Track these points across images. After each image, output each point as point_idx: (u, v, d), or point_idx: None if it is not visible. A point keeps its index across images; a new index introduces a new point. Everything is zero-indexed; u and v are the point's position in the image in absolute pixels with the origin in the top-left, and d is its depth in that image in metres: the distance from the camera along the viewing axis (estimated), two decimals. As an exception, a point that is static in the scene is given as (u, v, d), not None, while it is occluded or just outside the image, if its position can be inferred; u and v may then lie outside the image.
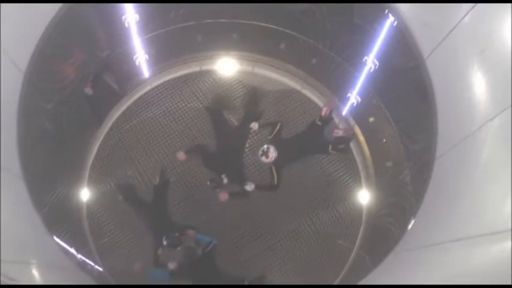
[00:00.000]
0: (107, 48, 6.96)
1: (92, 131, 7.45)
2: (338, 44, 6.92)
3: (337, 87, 7.52)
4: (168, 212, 7.05)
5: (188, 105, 7.63)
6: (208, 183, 6.97)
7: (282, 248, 7.20)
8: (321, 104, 7.71)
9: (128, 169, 7.35)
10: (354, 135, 7.42)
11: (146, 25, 6.63)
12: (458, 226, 3.55)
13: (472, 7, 3.53)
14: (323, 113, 6.86)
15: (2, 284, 3.20)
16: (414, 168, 5.83)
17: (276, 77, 7.83)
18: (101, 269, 6.82)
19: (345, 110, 7.42)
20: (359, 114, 7.33)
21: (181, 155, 7.09)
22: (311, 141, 6.99)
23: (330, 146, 6.87)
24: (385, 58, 6.01)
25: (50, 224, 4.90)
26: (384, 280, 4.57)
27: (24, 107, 4.53)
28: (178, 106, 7.65)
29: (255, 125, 7.00)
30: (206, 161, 7.17)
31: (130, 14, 6.13)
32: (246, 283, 6.70)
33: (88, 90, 6.89)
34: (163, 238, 6.43)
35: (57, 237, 5.32)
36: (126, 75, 7.49)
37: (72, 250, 5.91)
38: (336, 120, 7.54)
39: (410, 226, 4.90)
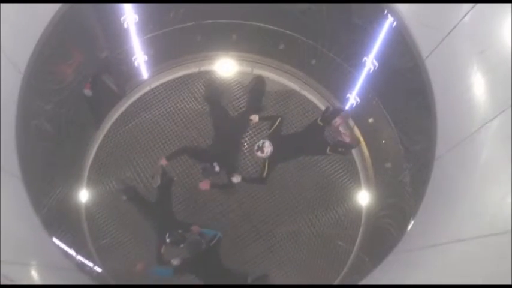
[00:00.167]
0: (106, 49, 6.96)
1: (91, 132, 7.44)
2: (337, 44, 6.93)
3: (336, 88, 7.52)
4: (172, 211, 7.02)
5: (187, 106, 7.62)
6: (201, 172, 6.90)
7: (282, 249, 7.20)
8: (320, 104, 7.71)
9: (126, 170, 7.33)
10: (358, 144, 7.40)
11: (145, 26, 6.63)
12: (458, 227, 3.55)
13: (472, 7, 3.53)
14: (336, 124, 6.85)
15: (2, 284, 3.19)
16: (414, 169, 5.83)
17: (275, 77, 7.82)
18: (100, 270, 6.81)
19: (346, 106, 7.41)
20: (358, 115, 7.33)
21: (163, 161, 7.00)
22: (310, 140, 6.97)
23: (328, 148, 6.85)
24: (384, 59, 6.01)
25: (49, 225, 4.89)
26: (384, 281, 4.56)
27: (23, 107, 4.52)
28: (177, 107, 7.64)
29: (255, 117, 6.95)
30: (194, 156, 7.15)
31: (129, 15, 6.13)
32: (249, 280, 6.68)
33: (87, 91, 6.89)
34: (167, 235, 6.40)
35: (57, 238, 5.31)
36: (125, 76, 7.49)
37: (72, 251, 5.90)
38: (344, 126, 7.52)
39: (409, 227, 4.89)
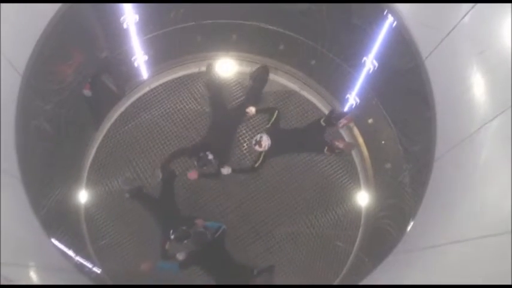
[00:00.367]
0: (105, 49, 6.95)
1: (91, 133, 7.44)
2: (337, 45, 6.93)
3: (336, 88, 7.52)
4: (176, 206, 7.00)
5: (187, 107, 7.62)
6: (195, 162, 6.87)
7: (281, 250, 7.19)
8: (320, 105, 7.71)
9: (126, 171, 7.33)
10: (352, 151, 7.40)
11: (145, 26, 6.63)
12: (457, 227, 3.55)
13: (472, 7, 3.53)
14: (340, 126, 6.86)
15: (1, 284, 3.19)
16: (413, 169, 5.82)
17: (275, 78, 7.81)
18: (99, 271, 6.80)
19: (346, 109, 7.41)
20: (358, 115, 7.32)
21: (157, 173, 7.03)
22: (309, 137, 6.99)
23: (326, 148, 6.86)
24: (384, 59, 6.01)
25: (48, 226, 4.88)
26: (383, 281, 4.56)
27: (23, 108, 4.52)
28: (177, 107, 7.64)
29: (251, 110, 6.95)
30: (191, 153, 7.13)
31: (129, 15, 6.12)
32: (255, 272, 6.65)
33: (87, 92, 6.88)
34: (171, 232, 6.38)
35: (56, 239, 5.30)
36: (125, 76, 7.49)
37: (71, 252, 5.90)
38: (342, 131, 7.56)
39: (409, 228, 4.89)
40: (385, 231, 5.94)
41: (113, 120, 7.56)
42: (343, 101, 7.32)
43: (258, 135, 6.63)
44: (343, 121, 6.84)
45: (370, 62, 6.20)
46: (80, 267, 6.21)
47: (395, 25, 5.03)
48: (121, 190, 7.18)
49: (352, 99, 7.03)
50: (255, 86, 7.53)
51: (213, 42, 7.61)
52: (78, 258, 6.18)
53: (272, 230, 7.27)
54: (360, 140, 7.52)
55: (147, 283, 6.87)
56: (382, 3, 5.01)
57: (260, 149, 6.61)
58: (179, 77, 7.76)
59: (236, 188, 7.32)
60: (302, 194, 7.38)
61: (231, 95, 7.69)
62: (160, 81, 7.76)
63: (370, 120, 7.21)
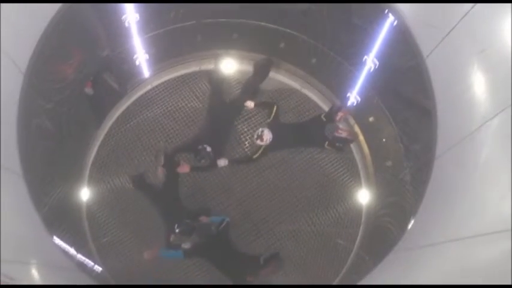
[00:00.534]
0: (107, 47, 6.96)
1: (92, 131, 7.44)
2: (338, 43, 6.93)
3: (337, 87, 7.52)
4: (180, 199, 7.02)
5: (188, 105, 7.62)
6: (194, 156, 6.91)
7: (282, 248, 7.18)
8: (321, 103, 7.72)
9: (128, 168, 7.34)
10: (356, 139, 7.40)
11: (146, 25, 6.64)
12: (458, 226, 3.55)
13: (472, 7, 3.54)
14: (338, 118, 6.87)
15: (2, 283, 3.20)
16: (414, 167, 5.83)
17: (276, 76, 7.81)
18: (100, 269, 6.82)
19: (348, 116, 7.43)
20: (359, 113, 7.33)
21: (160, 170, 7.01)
22: (310, 132, 7.03)
23: (327, 142, 6.88)
24: (385, 58, 6.02)
25: (49, 224, 4.90)
26: (384, 280, 4.57)
27: (24, 106, 4.53)
28: (178, 105, 7.65)
29: (250, 103, 7.05)
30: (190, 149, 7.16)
31: (130, 14, 6.14)
32: (261, 261, 6.64)
33: (88, 90, 6.89)
34: (175, 226, 6.37)
35: (57, 237, 5.32)
36: (126, 74, 7.48)
37: (72, 250, 5.92)
38: (346, 122, 7.55)
39: (410, 226, 4.90)
40: (386, 229, 5.94)
41: (114, 118, 7.57)
42: (344, 99, 7.32)
43: (260, 129, 6.71)
44: (339, 114, 6.85)
45: (371, 61, 6.21)
46: (82, 265, 6.22)
47: (396, 24, 5.04)
48: (123, 188, 7.21)
49: (353, 97, 7.03)
50: (256, 78, 7.54)
51: (214, 41, 7.62)
52: (80, 256, 6.20)
53: (273, 228, 7.28)
54: (361, 138, 7.51)
55: (148, 282, 6.88)
56: (382, 3, 5.02)
57: (262, 143, 6.69)
58: (180, 75, 7.76)
59: (237, 186, 7.33)
60: (303, 191, 7.39)
61: (232, 93, 7.69)
62: (162, 80, 7.77)
63: (371, 119, 7.22)
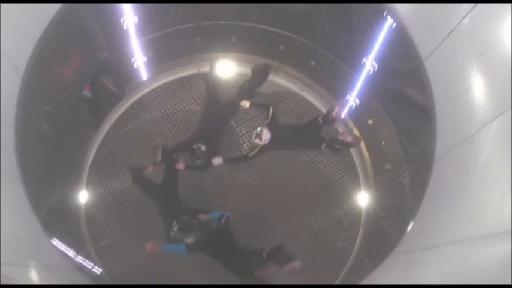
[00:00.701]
0: (105, 50, 6.96)
1: (90, 133, 7.44)
2: (337, 45, 6.94)
3: (336, 89, 7.53)
4: (178, 195, 7.00)
5: (187, 108, 7.62)
6: (190, 155, 6.92)
7: (281, 250, 7.17)
8: (320, 106, 7.72)
9: (126, 171, 7.32)
10: (359, 144, 7.41)
11: (145, 27, 6.63)
12: (457, 228, 3.55)
13: (472, 8, 3.53)
14: (334, 113, 6.87)
15: (2, 284, 3.19)
16: (413, 170, 5.84)
17: (275, 79, 7.82)
18: (99, 271, 6.80)
19: (344, 112, 7.42)
20: (358, 116, 7.34)
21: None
22: (307, 134, 7.05)
23: (324, 144, 6.92)
24: (384, 60, 6.02)
25: (48, 226, 4.88)
26: (383, 282, 4.56)
27: (23, 109, 4.51)
28: (176, 108, 7.65)
29: (246, 103, 7.02)
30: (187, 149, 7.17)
31: (129, 16, 6.13)
32: (264, 255, 6.59)
33: (86, 93, 6.88)
34: (174, 223, 6.32)
35: (56, 239, 5.31)
36: (125, 77, 7.49)
37: (71, 252, 5.90)
38: (345, 125, 7.58)
39: (409, 228, 4.89)
40: (385, 232, 5.94)
41: (112, 120, 7.57)
42: (343, 101, 7.32)
43: (259, 128, 6.73)
44: (335, 109, 6.86)
45: (370, 63, 6.21)
46: (80, 267, 6.20)
47: (395, 26, 5.04)
48: (121, 190, 7.21)
49: (352, 100, 7.03)
50: (253, 82, 7.54)
51: (213, 44, 7.62)
52: (79, 258, 6.19)
53: (272, 230, 7.27)
54: (361, 138, 7.51)
55: (148, 283, 6.87)
56: (381, 4, 5.01)
57: (260, 142, 6.71)
58: (179, 78, 7.77)
59: (236, 189, 7.33)
60: (302, 194, 7.39)
61: (228, 94, 7.70)
62: (160, 82, 7.77)
63: (370, 121, 7.23)
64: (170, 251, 6.67)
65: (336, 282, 7.04)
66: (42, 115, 5.58)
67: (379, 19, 5.36)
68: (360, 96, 6.94)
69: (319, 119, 6.91)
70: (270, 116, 6.90)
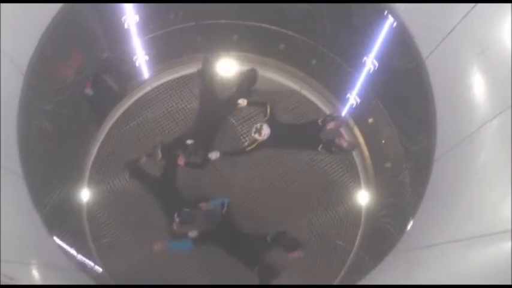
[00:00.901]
0: (106, 49, 6.96)
1: (92, 132, 7.44)
2: (338, 44, 6.94)
3: (336, 88, 7.53)
4: (177, 188, 7.04)
5: (188, 106, 7.62)
6: (184, 151, 6.96)
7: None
8: (321, 104, 7.73)
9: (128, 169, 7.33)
10: (354, 150, 7.45)
11: (146, 26, 6.64)
12: (457, 227, 3.56)
13: (472, 7, 3.54)
14: (329, 127, 6.93)
15: (2, 284, 3.20)
16: (413, 169, 5.84)
17: (276, 77, 7.82)
18: (101, 270, 6.82)
19: (344, 111, 7.44)
20: (358, 115, 7.34)
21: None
22: (305, 134, 7.14)
23: (321, 145, 6.98)
24: (384, 59, 6.02)
25: (50, 225, 4.91)
26: (383, 281, 4.57)
27: (24, 108, 4.54)
28: (178, 107, 7.65)
29: (243, 101, 7.15)
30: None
31: (130, 15, 6.14)
32: (268, 239, 6.66)
33: (88, 91, 6.88)
34: (175, 215, 6.34)
35: (58, 237, 5.33)
36: (126, 76, 7.49)
37: (73, 250, 5.92)
38: (344, 130, 7.60)
39: (409, 227, 4.91)
40: (385, 230, 5.95)
41: (114, 119, 7.57)
42: (343, 100, 7.34)
43: (259, 124, 6.87)
44: (331, 124, 6.90)
45: (370, 62, 6.21)
46: (82, 265, 6.22)
47: (396, 25, 5.04)
48: (123, 188, 7.22)
49: (353, 98, 7.04)
50: (243, 86, 7.57)
51: (214, 42, 7.62)
52: (80, 257, 6.20)
53: (272, 229, 7.26)
54: (361, 139, 7.53)
55: (148, 283, 6.89)
56: (382, 3, 5.02)
57: (259, 138, 6.84)
58: (180, 77, 7.76)
59: (237, 187, 7.34)
60: (302, 193, 7.39)
61: (225, 92, 7.69)
62: (162, 81, 7.77)
63: (370, 120, 7.23)
64: (176, 247, 6.73)
65: (336, 281, 7.05)
66: (43, 114, 5.59)
67: (380, 18, 5.36)
68: (360, 95, 6.94)
69: (319, 122, 6.98)
70: (268, 112, 6.98)
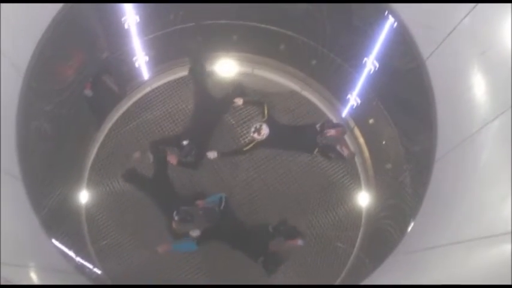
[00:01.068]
0: (106, 49, 6.96)
1: (92, 133, 7.43)
2: (338, 45, 6.93)
3: (337, 89, 7.52)
4: (173, 186, 7.03)
5: (188, 107, 7.60)
6: (179, 151, 6.94)
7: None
8: (320, 105, 7.71)
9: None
10: (351, 159, 7.42)
11: (146, 26, 6.63)
12: (458, 228, 3.54)
13: (473, 7, 3.53)
14: (328, 134, 6.91)
15: (1, 284, 3.19)
16: (414, 170, 5.83)
17: (276, 78, 7.82)
18: (99, 272, 6.81)
19: (345, 112, 7.42)
20: (359, 115, 7.33)
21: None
22: (302, 137, 7.12)
23: (316, 149, 6.99)
24: (385, 59, 6.01)
25: (48, 227, 4.89)
26: (383, 282, 4.57)
27: (24, 108, 4.53)
28: (178, 107, 7.63)
29: (239, 100, 7.13)
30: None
31: (130, 16, 6.13)
32: (270, 228, 6.72)
33: (88, 92, 6.87)
34: (174, 214, 6.36)
35: (56, 239, 5.31)
36: (126, 76, 7.48)
37: (71, 253, 5.90)
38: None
39: (409, 228, 4.89)
40: (386, 232, 5.93)
41: (114, 120, 7.55)
42: (344, 101, 7.33)
43: (258, 123, 6.83)
44: (331, 131, 6.88)
45: (371, 63, 6.21)
46: (81, 267, 6.21)
47: (396, 26, 5.03)
48: (122, 190, 7.20)
49: (353, 99, 7.03)
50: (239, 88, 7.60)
51: (214, 43, 7.61)
52: (79, 259, 6.19)
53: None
54: (361, 140, 7.52)
55: (148, 283, 6.88)
56: (382, 3, 5.01)
57: (258, 137, 6.80)
58: (180, 77, 7.74)
59: (237, 188, 7.32)
60: (302, 194, 7.38)
61: (223, 92, 7.66)
62: (162, 82, 7.75)
63: (371, 121, 7.22)
64: (180, 249, 6.78)
65: (336, 283, 7.03)
66: (43, 115, 5.58)
67: (380, 19, 5.35)
68: (360, 95, 6.93)
69: (317, 127, 6.95)
70: (265, 112, 6.97)
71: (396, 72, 5.75)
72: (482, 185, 3.40)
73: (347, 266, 7.18)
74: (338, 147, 7.00)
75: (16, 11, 4.00)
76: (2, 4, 3.77)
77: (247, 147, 6.94)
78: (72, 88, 6.38)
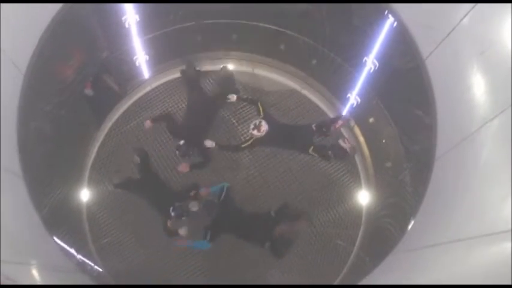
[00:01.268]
0: (106, 49, 6.97)
1: (92, 132, 7.45)
2: (338, 44, 6.94)
3: (337, 88, 7.53)
4: (165, 183, 7.09)
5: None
6: (177, 152, 6.99)
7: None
8: (321, 104, 7.72)
9: (127, 170, 7.33)
10: (353, 155, 7.45)
11: (146, 26, 6.65)
12: (458, 227, 3.55)
13: (472, 7, 3.54)
14: (337, 126, 7.01)
15: (2, 284, 3.20)
16: (414, 168, 5.84)
17: (276, 77, 7.83)
18: (100, 270, 6.82)
19: (345, 111, 7.43)
20: (359, 114, 7.33)
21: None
22: (298, 135, 7.16)
23: (311, 148, 7.02)
24: (384, 59, 6.02)
25: (49, 225, 4.91)
26: (384, 281, 4.57)
27: (24, 108, 4.54)
28: (178, 107, 7.65)
29: (233, 97, 7.20)
30: (170, 128, 7.31)
31: (130, 15, 6.14)
32: (272, 213, 6.79)
33: (88, 91, 6.89)
34: (171, 209, 6.46)
35: (57, 238, 5.33)
36: (126, 75, 7.50)
37: (72, 251, 5.92)
38: (346, 134, 7.61)
39: (410, 227, 4.90)
40: (386, 230, 5.94)
41: (114, 119, 7.57)
42: (344, 100, 7.33)
43: (258, 120, 6.88)
44: (339, 122, 6.93)
45: (371, 62, 6.22)
46: (82, 265, 6.22)
47: (396, 25, 5.05)
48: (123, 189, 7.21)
49: (353, 98, 7.04)
50: (223, 86, 7.62)
51: (214, 42, 7.62)
52: (80, 257, 6.20)
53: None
54: (361, 139, 7.53)
55: (148, 283, 6.89)
56: (382, 3, 5.02)
57: (258, 134, 6.85)
58: (180, 77, 7.75)
59: (238, 187, 7.32)
60: (303, 192, 7.38)
61: (218, 89, 7.72)
62: (162, 81, 7.77)
63: (371, 120, 7.22)
64: (195, 247, 6.86)
65: (337, 281, 7.03)
66: (43, 114, 5.60)
67: (380, 18, 5.36)
68: (361, 94, 6.94)
69: (313, 126, 7.02)
70: (261, 110, 7.02)
71: (396, 72, 5.75)
72: (482, 184, 3.41)
73: (347, 264, 7.18)
74: (340, 141, 7.01)
75: (16, 11, 4.01)
76: (2, 4, 3.78)
77: (245, 144, 6.97)
78: (72, 87, 6.39)
